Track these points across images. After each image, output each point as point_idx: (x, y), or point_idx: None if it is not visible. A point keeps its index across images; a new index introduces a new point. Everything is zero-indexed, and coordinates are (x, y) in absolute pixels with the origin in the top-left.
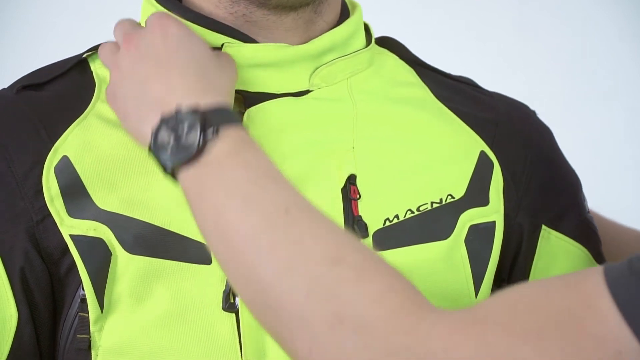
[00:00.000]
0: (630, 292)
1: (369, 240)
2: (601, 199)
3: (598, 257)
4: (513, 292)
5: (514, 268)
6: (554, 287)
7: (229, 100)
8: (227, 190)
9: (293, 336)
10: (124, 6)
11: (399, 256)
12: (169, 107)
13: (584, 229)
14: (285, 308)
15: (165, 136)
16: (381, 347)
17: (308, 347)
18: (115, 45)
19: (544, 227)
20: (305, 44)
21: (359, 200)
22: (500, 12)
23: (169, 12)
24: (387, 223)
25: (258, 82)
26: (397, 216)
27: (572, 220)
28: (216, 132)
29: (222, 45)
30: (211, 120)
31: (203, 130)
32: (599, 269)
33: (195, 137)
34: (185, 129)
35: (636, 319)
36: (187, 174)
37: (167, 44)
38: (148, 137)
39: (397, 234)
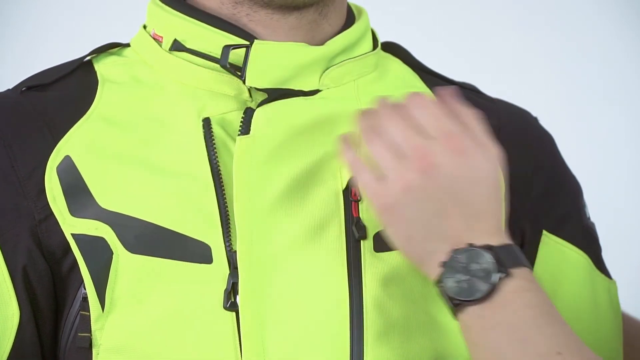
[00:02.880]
0: None
1: (369, 242)
2: (602, 201)
3: (598, 263)
4: None
5: None
6: None
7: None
8: (508, 331)
9: None
10: (124, 6)
11: (399, 258)
12: (462, 244)
13: (585, 235)
14: None
15: (455, 272)
16: None
17: None
18: (383, 146)
19: (544, 232)
20: (323, 46)
21: (360, 202)
22: (499, 14)
23: (173, 11)
24: None
25: (271, 77)
26: None
27: (572, 226)
28: (507, 273)
29: (253, 42)
30: (503, 261)
31: (496, 272)
32: None
33: (487, 277)
34: (478, 268)
35: None
36: (473, 311)
37: (465, 173)
38: (433, 268)
39: None
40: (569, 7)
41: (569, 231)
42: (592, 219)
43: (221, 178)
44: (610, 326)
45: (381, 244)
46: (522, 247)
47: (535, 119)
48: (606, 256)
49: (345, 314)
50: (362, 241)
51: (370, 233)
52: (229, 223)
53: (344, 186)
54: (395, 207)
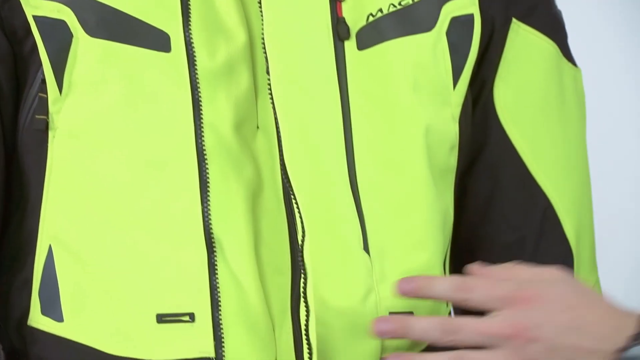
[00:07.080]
0: None
1: (352, 42)
2: (601, 200)
3: (565, 51)
4: None
5: (483, 60)
6: None
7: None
8: None
9: None
10: None
11: (385, 50)
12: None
13: (553, 23)
14: None
15: None
16: None
17: None
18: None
19: (514, 20)
20: None
21: (343, 2)
22: None
23: None
24: (371, 19)
25: None
26: (380, 10)
27: (541, 14)
28: None
29: None
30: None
31: None
32: None
33: None
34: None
35: None
36: None
37: (553, 318)
38: None
39: (381, 29)
40: (568, 10)
41: (537, 19)
42: (593, 219)
43: None
44: (575, 112)
45: (365, 40)
46: (491, 35)
47: None
48: (606, 256)
49: (338, 115)
50: (345, 42)
51: (354, 31)
52: (189, 13)
53: None
54: None
